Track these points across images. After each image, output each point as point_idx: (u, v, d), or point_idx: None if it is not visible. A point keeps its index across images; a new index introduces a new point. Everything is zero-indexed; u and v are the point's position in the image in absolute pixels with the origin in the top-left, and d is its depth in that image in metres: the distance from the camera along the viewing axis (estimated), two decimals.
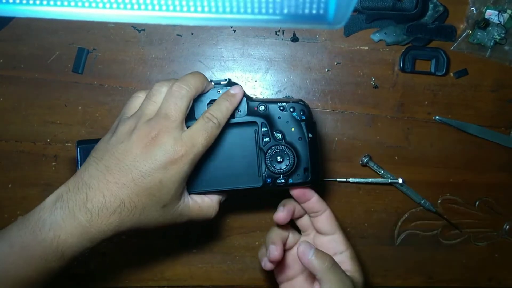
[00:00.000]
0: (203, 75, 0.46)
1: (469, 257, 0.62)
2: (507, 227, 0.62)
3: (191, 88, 0.44)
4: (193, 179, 0.46)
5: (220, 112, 0.45)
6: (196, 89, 0.44)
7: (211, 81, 0.47)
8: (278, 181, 0.46)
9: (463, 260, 0.62)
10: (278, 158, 0.46)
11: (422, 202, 0.60)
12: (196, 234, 0.60)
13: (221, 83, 0.48)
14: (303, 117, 0.47)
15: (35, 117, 0.58)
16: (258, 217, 0.60)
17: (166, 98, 0.43)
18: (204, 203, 0.47)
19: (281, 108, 0.48)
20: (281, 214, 0.47)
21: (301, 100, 0.48)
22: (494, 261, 0.62)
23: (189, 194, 0.46)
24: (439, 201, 0.61)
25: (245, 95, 0.47)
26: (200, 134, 0.43)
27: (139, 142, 0.41)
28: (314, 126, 0.48)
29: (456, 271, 0.62)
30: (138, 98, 0.45)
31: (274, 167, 0.46)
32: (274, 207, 0.60)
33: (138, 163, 0.41)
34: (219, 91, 0.47)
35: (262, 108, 0.47)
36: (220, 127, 0.44)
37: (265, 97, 0.59)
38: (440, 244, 0.61)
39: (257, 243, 0.60)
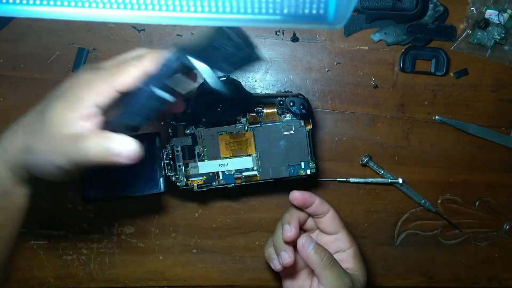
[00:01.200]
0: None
1: (469, 257, 0.62)
2: (507, 227, 0.62)
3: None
4: None
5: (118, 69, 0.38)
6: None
7: None
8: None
9: (463, 260, 0.62)
10: None
11: (422, 202, 0.60)
12: (196, 235, 0.60)
13: (221, 79, 0.48)
14: (303, 111, 0.47)
15: None
16: (258, 217, 0.60)
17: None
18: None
19: (281, 102, 0.48)
20: (290, 234, 0.46)
21: (301, 94, 0.48)
22: (494, 261, 0.62)
23: None
24: (439, 201, 0.61)
25: (242, 89, 0.47)
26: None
27: None
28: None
29: (456, 271, 0.62)
30: None
31: None
32: (274, 208, 0.60)
33: None
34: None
35: None
36: (110, 76, 0.38)
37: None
38: (440, 244, 0.61)
39: (257, 243, 0.60)
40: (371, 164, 0.59)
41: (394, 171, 0.60)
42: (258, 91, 0.59)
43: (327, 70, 0.59)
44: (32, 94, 0.58)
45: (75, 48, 0.58)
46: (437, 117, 0.60)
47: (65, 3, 0.27)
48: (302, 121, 0.48)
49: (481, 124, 0.60)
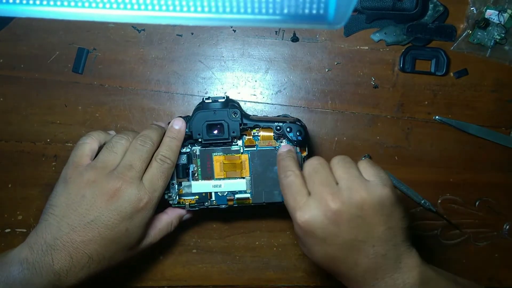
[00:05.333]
0: (161, 128, 0.48)
1: (469, 257, 0.62)
2: (507, 227, 0.62)
3: (153, 143, 0.45)
4: None
5: (171, 151, 0.46)
6: (157, 145, 0.46)
7: (208, 98, 0.48)
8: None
9: (463, 260, 0.62)
10: None
11: (422, 202, 0.60)
12: (196, 235, 0.60)
13: (219, 100, 0.48)
14: (300, 138, 0.47)
15: (35, 117, 0.58)
16: (258, 217, 0.60)
17: (132, 150, 0.44)
18: (162, 224, 0.49)
19: (278, 128, 0.48)
20: None
21: (298, 120, 0.49)
22: (494, 261, 0.62)
23: None
24: (439, 201, 0.61)
25: (242, 112, 0.48)
26: (158, 178, 0.44)
27: (103, 195, 0.42)
28: None
29: (456, 271, 0.62)
30: (87, 145, 0.45)
31: None
32: (274, 208, 0.60)
33: (103, 217, 0.41)
34: (214, 112, 0.47)
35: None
36: (174, 166, 0.46)
37: (264, 104, 0.59)
38: (440, 244, 0.61)
39: (257, 243, 0.60)
40: None
41: (394, 171, 0.60)
42: (258, 91, 0.59)
43: (327, 70, 0.59)
44: (32, 94, 0.58)
45: (75, 48, 0.58)
46: (437, 117, 0.60)
47: (65, 3, 0.27)
48: (298, 148, 0.48)
49: (481, 124, 0.60)
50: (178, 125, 0.47)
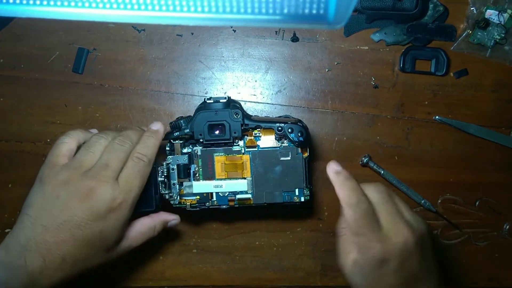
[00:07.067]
0: (143, 131, 0.47)
1: (469, 257, 0.62)
2: (507, 227, 0.62)
3: (133, 144, 0.44)
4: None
5: (148, 149, 0.45)
6: (135, 145, 0.45)
7: (210, 98, 0.48)
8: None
9: (463, 260, 0.62)
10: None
11: (422, 202, 0.60)
12: (196, 235, 0.60)
13: (221, 101, 0.48)
14: (301, 139, 0.47)
15: (35, 117, 0.58)
16: (258, 217, 0.60)
17: (109, 150, 0.43)
18: (144, 227, 0.47)
19: (279, 129, 0.48)
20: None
21: (300, 121, 0.49)
22: (494, 261, 0.62)
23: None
24: (439, 201, 0.61)
25: (243, 113, 0.48)
26: (134, 177, 0.43)
27: (77, 195, 0.41)
28: None
29: (456, 271, 0.62)
30: (65, 145, 0.44)
31: None
32: (274, 208, 0.60)
33: (76, 217, 0.40)
34: (216, 113, 0.47)
35: None
36: (151, 164, 0.45)
37: (264, 104, 0.59)
38: (440, 244, 0.61)
39: (257, 243, 0.60)
40: (371, 164, 0.59)
41: (394, 171, 0.60)
42: (258, 91, 0.59)
43: (327, 70, 0.59)
44: (32, 94, 0.58)
45: (75, 48, 0.58)
46: (437, 117, 0.60)
47: (65, 3, 0.27)
48: (299, 149, 0.48)
49: (481, 124, 0.60)
50: (157, 127, 0.47)
